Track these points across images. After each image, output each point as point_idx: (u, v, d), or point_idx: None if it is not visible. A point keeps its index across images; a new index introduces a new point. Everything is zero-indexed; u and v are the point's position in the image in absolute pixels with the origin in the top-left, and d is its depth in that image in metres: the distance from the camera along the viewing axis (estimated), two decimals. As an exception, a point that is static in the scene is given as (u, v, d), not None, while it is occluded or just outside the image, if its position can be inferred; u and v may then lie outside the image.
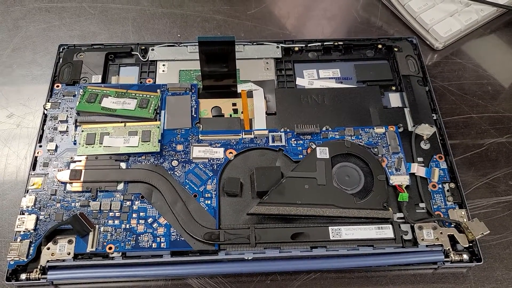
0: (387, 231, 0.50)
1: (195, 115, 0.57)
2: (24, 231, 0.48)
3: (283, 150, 0.55)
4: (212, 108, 0.58)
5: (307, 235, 0.49)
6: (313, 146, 0.56)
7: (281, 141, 0.55)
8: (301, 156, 0.54)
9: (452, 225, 0.52)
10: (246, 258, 0.48)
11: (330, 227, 0.50)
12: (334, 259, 0.49)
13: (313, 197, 0.50)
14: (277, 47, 0.66)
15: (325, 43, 0.66)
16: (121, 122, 0.55)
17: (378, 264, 0.50)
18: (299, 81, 0.63)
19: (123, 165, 0.53)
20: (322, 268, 0.50)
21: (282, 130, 0.56)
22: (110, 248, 0.49)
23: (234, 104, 0.59)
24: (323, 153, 0.54)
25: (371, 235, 0.50)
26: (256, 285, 0.50)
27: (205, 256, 0.48)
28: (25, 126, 0.59)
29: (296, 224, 0.50)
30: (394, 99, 0.62)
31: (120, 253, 0.48)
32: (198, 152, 0.55)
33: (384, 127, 0.58)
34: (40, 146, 0.54)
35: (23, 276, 0.47)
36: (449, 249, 0.50)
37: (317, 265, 0.50)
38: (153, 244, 0.49)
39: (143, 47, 0.65)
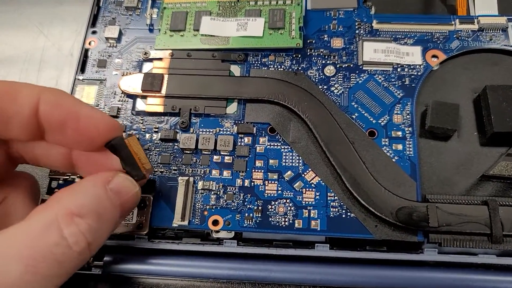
0: None
1: (363, -13, 0.32)
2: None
3: (537, 56, 0.28)
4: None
5: None
6: None
7: (532, 39, 0.29)
8: None
9: None
10: (479, 262, 0.26)
11: None
12: None
13: None
14: None
15: None
16: (232, -7, 0.32)
17: None
18: None
19: (235, 69, 0.28)
20: None
21: (532, 18, 0.30)
22: (215, 223, 0.26)
23: (431, -30, 0.32)
24: None
25: None
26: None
27: (399, 254, 0.24)
28: (70, 3, 0.38)
29: None
30: None
31: (233, 233, 0.26)
32: (372, 52, 0.29)
33: None
34: (94, 33, 0.31)
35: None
36: None
37: None
38: (297, 222, 0.25)
39: None
